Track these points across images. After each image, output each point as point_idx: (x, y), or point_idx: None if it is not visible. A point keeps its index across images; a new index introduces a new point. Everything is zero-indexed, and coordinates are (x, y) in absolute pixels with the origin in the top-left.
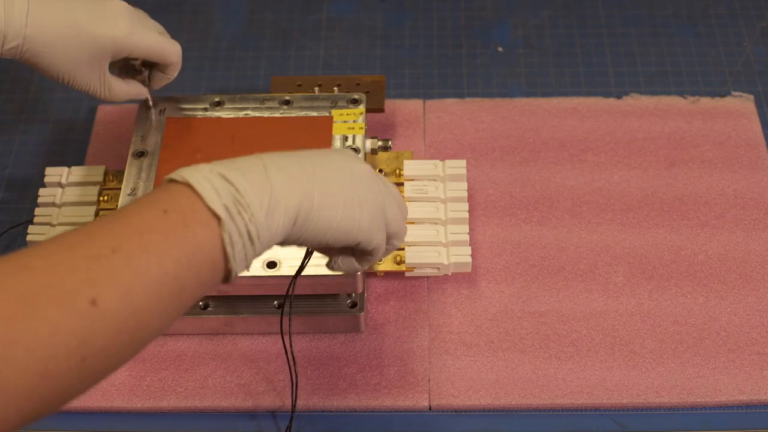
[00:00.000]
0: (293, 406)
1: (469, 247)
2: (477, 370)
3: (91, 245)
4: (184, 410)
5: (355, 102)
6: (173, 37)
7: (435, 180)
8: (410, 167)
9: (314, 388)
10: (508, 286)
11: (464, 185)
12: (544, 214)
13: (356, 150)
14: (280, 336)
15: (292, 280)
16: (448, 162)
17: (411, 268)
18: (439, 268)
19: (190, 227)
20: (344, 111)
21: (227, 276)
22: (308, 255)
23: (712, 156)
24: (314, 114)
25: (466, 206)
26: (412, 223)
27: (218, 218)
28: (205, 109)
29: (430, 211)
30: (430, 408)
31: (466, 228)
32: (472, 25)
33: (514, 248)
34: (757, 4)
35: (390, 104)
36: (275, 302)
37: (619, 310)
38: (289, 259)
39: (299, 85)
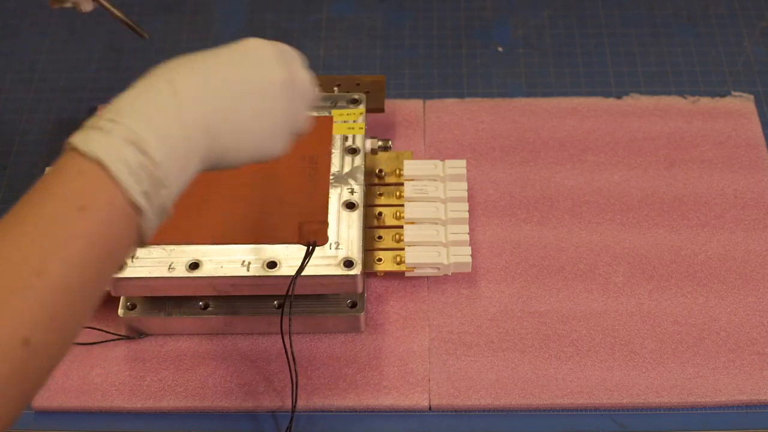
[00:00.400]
0: (293, 406)
1: (469, 247)
2: (477, 370)
3: (12, 273)
4: (184, 410)
5: (355, 102)
6: (174, 37)
7: (435, 180)
8: (410, 167)
9: (314, 388)
10: (508, 286)
11: (464, 185)
12: (544, 214)
13: (355, 150)
14: (280, 336)
15: (292, 280)
16: (448, 162)
17: (411, 268)
18: (439, 268)
19: (110, 225)
20: (344, 111)
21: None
22: (308, 255)
23: (712, 156)
24: (314, 114)
25: (466, 206)
26: (412, 223)
27: (139, 209)
28: None
29: (430, 211)
30: (430, 408)
31: (466, 228)
32: (472, 25)
33: (514, 248)
34: (757, 4)
35: (390, 104)
36: (275, 302)
37: (619, 310)
38: (289, 259)
39: None
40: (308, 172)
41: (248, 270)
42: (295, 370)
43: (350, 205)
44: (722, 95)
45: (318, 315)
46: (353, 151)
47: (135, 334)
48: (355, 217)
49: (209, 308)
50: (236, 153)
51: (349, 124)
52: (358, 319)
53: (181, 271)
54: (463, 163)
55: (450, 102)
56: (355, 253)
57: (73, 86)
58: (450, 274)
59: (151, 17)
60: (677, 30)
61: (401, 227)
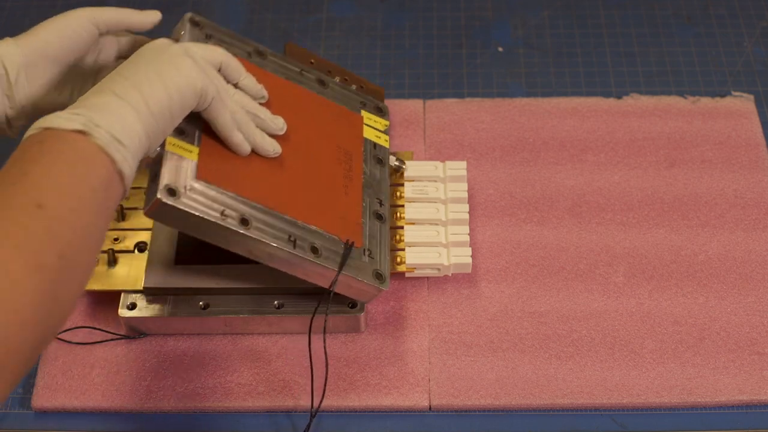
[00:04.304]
0: (318, 405)
1: (470, 248)
2: (477, 370)
3: (7, 176)
4: (184, 410)
5: (380, 111)
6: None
7: (435, 181)
8: (411, 168)
9: (314, 388)
10: (508, 286)
11: (464, 186)
12: (544, 214)
13: (381, 161)
14: (279, 336)
15: (335, 277)
16: (449, 163)
17: (411, 269)
18: (439, 269)
19: (61, 145)
20: (372, 116)
21: (121, 177)
22: (347, 254)
23: (712, 156)
24: (346, 107)
25: (466, 207)
26: (413, 224)
27: (83, 132)
28: (249, 55)
29: (431, 212)
30: (430, 408)
31: (466, 229)
32: (472, 25)
33: (514, 248)
34: (757, 4)
35: (390, 104)
36: (275, 302)
37: (619, 310)
38: (324, 249)
39: (311, 62)
40: (344, 167)
41: (294, 247)
42: (326, 368)
43: (379, 217)
44: (722, 95)
45: (318, 315)
46: (380, 161)
47: (135, 334)
48: (385, 232)
49: (209, 308)
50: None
51: (376, 132)
52: (358, 319)
53: (233, 224)
54: (463, 164)
55: (450, 102)
56: (386, 269)
57: None
58: (450, 274)
59: None
60: (677, 30)
61: (401, 228)
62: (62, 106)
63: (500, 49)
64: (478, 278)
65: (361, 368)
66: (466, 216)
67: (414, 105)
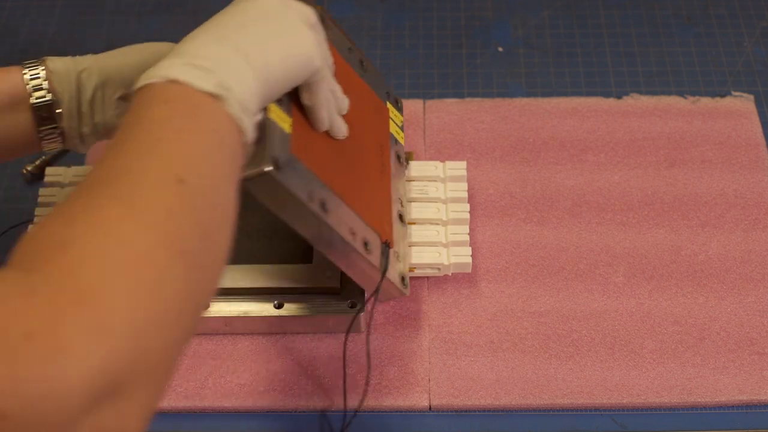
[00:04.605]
0: (360, 404)
1: (470, 248)
2: (477, 370)
3: (139, 142)
4: (184, 410)
5: (397, 105)
6: (174, 37)
7: (435, 181)
8: (411, 168)
9: (314, 388)
10: (508, 286)
11: (464, 186)
12: (544, 214)
13: (399, 158)
14: (279, 336)
15: (380, 279)
16: (449, 163)
17: (411, 268)
18: (439, 269)
19: (195, 109)
20: (393, 110)
21: (243, 150)
22: (386, 255)
23: (712, 156)
24: (376, 93)
25: (466, 207)
26: (413, 223)
27: (216, 96)
28: None
29: (431, 212)
30: (430, 408)
31: (466, 228)
32: (472, 25)
33: (514, 248)
34: (757, 4)
35: None
36: (275, 302)
37: (619, 310)
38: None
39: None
40: (379, 160)
41: (354, 239)
42: (369, 370)
43: (401, 218)
44: (722, 95)
45: (318, 315)
46: (398, 158)
47: None
48: (405, 233)
49: (209, 308)
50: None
51: (396, 127)
52: (358, 319)
53: (315, 208)
54: (463, 164)
55: (450, 102)
56: (406, 272)
57: None
58: (450, 274)
59: (151, 17)
60: (677, 30)
61: None
62: None
63: (500, 49)
64: (478, 278)
65: (361, 368)
66: (467, 215)
67: (414, 105)
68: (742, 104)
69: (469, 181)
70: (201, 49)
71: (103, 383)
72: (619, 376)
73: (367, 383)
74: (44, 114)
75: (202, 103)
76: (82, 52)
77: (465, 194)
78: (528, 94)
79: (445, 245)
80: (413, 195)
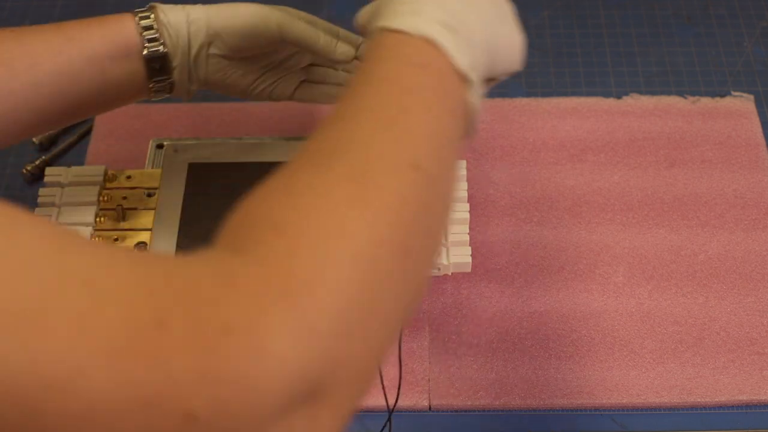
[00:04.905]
0: (394, 404)
1: (469, 248)
2: (477, 370)
3: (380, 112)
4: None
5: None
6: None
7: None
8: None
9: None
10: (508, 286)
11: (464, 186)
12: (544, 214)
13: None
14: None
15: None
16: None
17: None
18: (439, 269)
19: (445, 83)
20: None
21: (467, 131)
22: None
23: (712, 156)
24: None
25: (466, 207)
26: None
27: (467, 80)
28: None
29: None
30: (430, 408)
31: (466, 228)
32: None
33: (514, 248)
34: (757, 4)
35: None
36: None
37: (619, 310)
38: None
39: None
40: None
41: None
42: (400, 367)
43: None
44: (722, 95)
45: None
46: None
47: None
48: None
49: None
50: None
51: None
52: None
53: None
54: (462, 164)
55: None
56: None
57: None
58: (450, 274)
59: None
60: (677, 30)
61: None
62: (243, 91)
63: None
64: (478, 278)
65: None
66: (467, 215)
67: None
68: (742, 104)
69: (468, 180)
70: (452, 8)
71: (301, 388)
72: (618, 376)
73: (399, 384)
74: (156, 65)
75: (452, 79)
76: None
77: (465, 194)
78: (528, 94)
79: (445, 245)
80: None
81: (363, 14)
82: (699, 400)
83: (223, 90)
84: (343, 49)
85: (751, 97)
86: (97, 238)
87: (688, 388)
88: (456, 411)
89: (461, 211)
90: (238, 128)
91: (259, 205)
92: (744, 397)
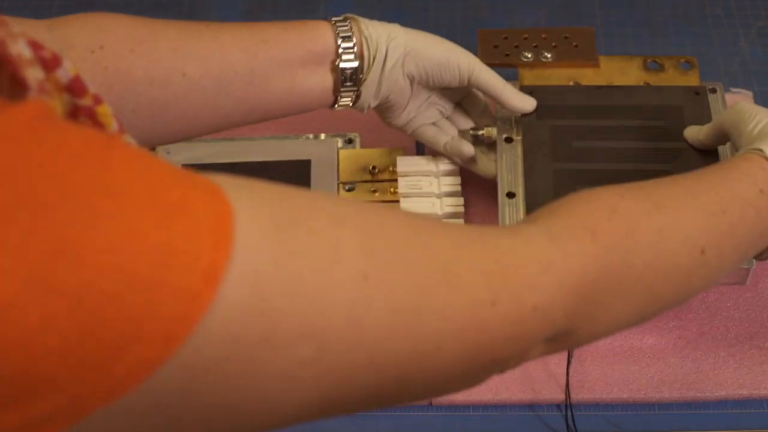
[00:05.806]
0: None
1: None
2: None
3: (706, 199)
4: None
5: None
6: None
7: (428, 175)
8: (403, 163)
9: None
10: None
11: (458, 179)
12: None
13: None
14: None
15: None
16: (442, 157)
17: None
18: None
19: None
20: None
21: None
22: None
23: None
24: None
25: (461, 200)
26: None
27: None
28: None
29: (425, 207)
30: (430, 404)
31: (461, 222)
32: (468, 24)
33: None
34: (753, 5)
35: None
36: None
37: None
38: None
39: (505, 38)
40: None
41: None
42: None
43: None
44: None
45: None
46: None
47: None
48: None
49: None
50: None
51: None
52: None
53: None
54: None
55: None
56: None
57: None
58: None
59: (149, 16)
60: (674, 30)
61: None
62: (404, 117)
63: None
64: None
65: None
66: (462, 209)
67: None
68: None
69: (462, 175)
70: None
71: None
72: (618, 372)
73: None
74: (347, 77)
75: None
76: None
77: (459, 188)
78: None
79: None
80: (406, 190)
81: (727, 117)
82: (699, 394)
83: (385, 112)
84: (526, 101)
85: (750, 93)
86: None
87: (687, 382)
88: (456, 408)
89: (456, 206)
90: (230, 129)
91: (585, 207)
92: (744, 391)
